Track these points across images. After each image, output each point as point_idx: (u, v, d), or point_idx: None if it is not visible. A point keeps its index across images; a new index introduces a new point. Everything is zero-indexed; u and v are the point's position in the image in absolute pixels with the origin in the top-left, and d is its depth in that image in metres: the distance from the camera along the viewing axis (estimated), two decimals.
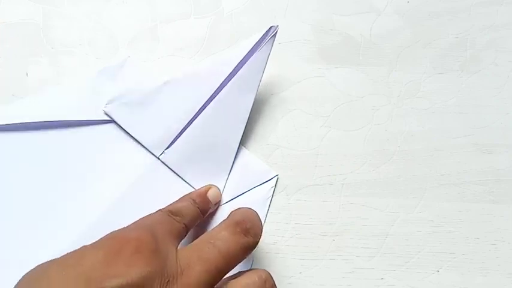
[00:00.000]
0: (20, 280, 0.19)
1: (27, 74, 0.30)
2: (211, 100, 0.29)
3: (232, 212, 0.23)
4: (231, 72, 0.29)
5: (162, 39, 0.33)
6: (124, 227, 0.21)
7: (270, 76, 0.32)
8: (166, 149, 0.29)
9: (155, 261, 0.18)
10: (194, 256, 0.20)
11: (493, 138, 0.32)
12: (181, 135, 0.29)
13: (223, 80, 0.29)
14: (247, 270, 0.22)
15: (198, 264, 0.19)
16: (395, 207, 0.30)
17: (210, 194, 0.27)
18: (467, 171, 0.31)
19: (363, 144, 0.31)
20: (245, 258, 0.21)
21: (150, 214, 0.23)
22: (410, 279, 0.28)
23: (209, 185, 0.28)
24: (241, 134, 0.30)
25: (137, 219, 0.23)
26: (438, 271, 0.29)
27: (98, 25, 0.32)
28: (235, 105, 0.29)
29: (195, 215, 0.24)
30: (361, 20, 0.35)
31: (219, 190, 0.28)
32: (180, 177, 0.29)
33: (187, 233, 0.23)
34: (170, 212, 0.23)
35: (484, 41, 0.35)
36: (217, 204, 0.28)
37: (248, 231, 0.21)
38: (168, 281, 0.18)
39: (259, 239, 0.22)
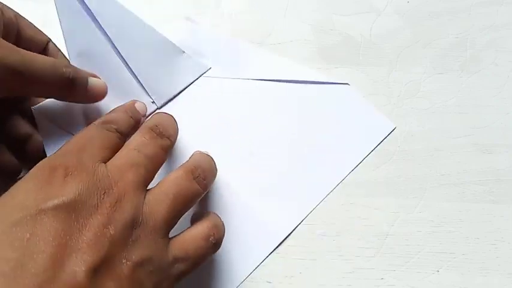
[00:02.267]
0: None
1: None
2: (115, 46, 0.29)
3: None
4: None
5: None
6: (52, 154, 0.21)
7: None
8: (151, 96, 0.30)
9: (86, 178, 0.20)
10: (125, 165, 0.21)
11: (493, 138, 0.32)
12: (139, 77, 0.29)
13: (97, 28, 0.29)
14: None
15: (130, 171, 0.21)
16: (395, 207, 0.30)
17: (138, 106, 0.27)
18: (467, 171, 0.31)
19: None
20: (166, 158, 0.24)
21: (83, 129, 0.23)
22: (410, 279, 0.28)
23: (132, 100, 0.27)
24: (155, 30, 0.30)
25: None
26: (438, 271, 0.29)
27: None
28: (128, 26, 0.30)
29: (130, 122, 0.25)
30: (361, 20, 0.35)
31: (145, 104, 0.28)
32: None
33: (124, 142, 0.24)
34: (103, 122, 0.24)
35: (484, 41, 0.35)
36: (145, 116, 0.28)
37: (163, 134, 0.24)
38: (105, 192, 0.20)
39: (175, 139, 0.25)
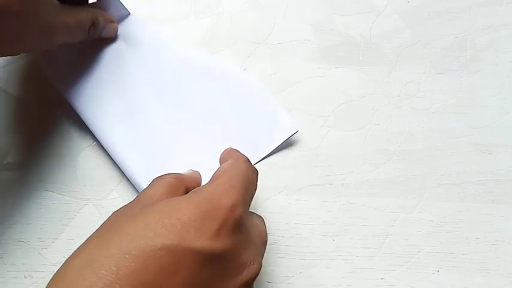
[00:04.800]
0: (113, 217, 0.21)
1: None
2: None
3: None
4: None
5: None
6: (220, 184, 0.21)
7: (270, 76, 0.32)
8: None
9: (237, 238, 0.19)
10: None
11: (493, 138, 0.32)
12: None
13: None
14: None
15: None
16: (395, 207, 0.30)
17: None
18: (467, 171, 0.31)
19: (363, 144, 0.31)
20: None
21: (237, 161, 0.23)
22: (410, 279, 0.28)
23: None
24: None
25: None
26: (438, 271, 0.29)
27: None
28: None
29: None
30: (361, 20, 0.35)
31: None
32: None
33: None
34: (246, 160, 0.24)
35: (484, 41, 0.35)
36: None
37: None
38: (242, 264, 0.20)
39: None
